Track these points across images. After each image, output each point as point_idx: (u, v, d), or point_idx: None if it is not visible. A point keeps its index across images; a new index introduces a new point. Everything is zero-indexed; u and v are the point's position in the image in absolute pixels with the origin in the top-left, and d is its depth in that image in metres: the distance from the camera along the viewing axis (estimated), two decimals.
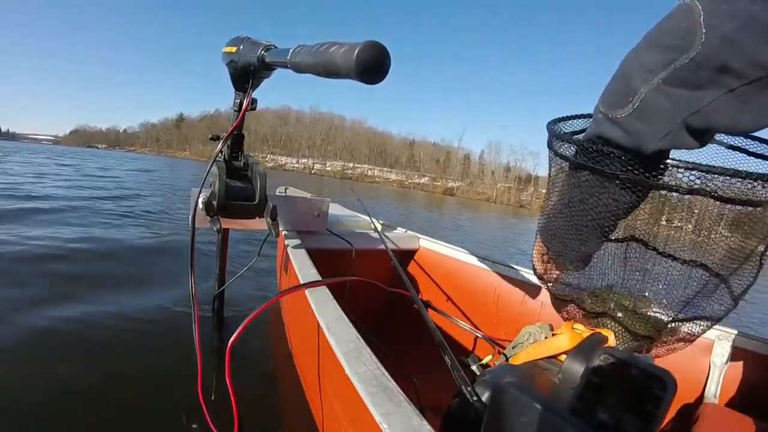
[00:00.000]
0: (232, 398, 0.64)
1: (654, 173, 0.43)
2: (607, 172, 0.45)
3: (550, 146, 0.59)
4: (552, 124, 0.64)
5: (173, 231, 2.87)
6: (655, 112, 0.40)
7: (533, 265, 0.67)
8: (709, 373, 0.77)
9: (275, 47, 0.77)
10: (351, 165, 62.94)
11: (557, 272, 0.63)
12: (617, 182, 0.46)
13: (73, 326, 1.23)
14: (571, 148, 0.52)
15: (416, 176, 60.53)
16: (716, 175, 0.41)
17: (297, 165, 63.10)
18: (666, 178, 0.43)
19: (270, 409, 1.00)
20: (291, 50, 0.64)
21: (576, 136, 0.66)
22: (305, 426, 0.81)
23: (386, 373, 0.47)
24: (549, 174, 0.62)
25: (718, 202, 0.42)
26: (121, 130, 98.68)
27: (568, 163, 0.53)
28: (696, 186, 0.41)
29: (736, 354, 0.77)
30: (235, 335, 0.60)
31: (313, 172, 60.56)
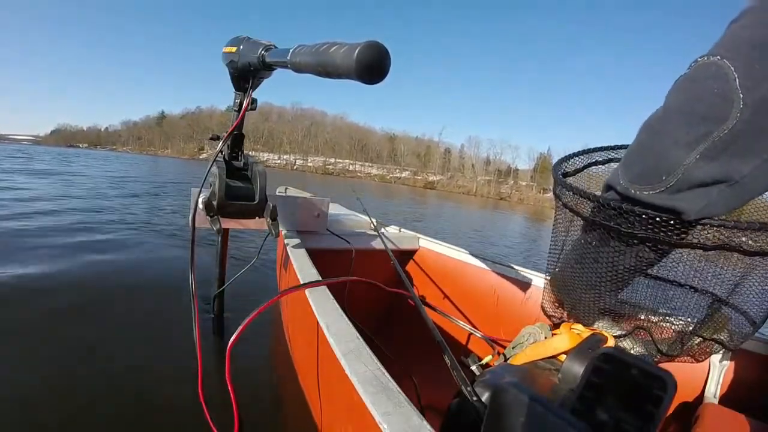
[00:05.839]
0: (232, 398, 0.64)
1: (680, 234, 0.40)
2: (625, 231, 0.42)
3: (558, 196, 0.56)
4: (558, 167, 0.61)
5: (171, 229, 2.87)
6: (689, 190, 0.36)
7: (542, 307, 0.66)
8: (709, 373, 0.77)
9: (275, 47, 0.77)
10: (332, 160, 63.00)
11: (570, 318, 0.61)
12: (636, 242, 0.43)
13: (72, 326, 1.23)
14: (585, 202, 0.48)
15: (397, 170, 60.86)
16: (744, 231, 0.38)
17: (279, 161, 63.31)
18: (689, 235, 0.40)
19: (270, 409, 1.00)
20: (291, 50, 0.64)
21: (584, 173, 0.64)
22: (305, 426, 0.81)
23: (386, 373, 0.47)
24: (555, 213, 0.60)
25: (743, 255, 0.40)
26: (102, 129, 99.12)
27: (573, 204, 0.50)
28: (721, 242, 0.39)
29: (736, 354, 0.77)
30: (235, 335, 0.60)
31: (294, 167, 60.42)
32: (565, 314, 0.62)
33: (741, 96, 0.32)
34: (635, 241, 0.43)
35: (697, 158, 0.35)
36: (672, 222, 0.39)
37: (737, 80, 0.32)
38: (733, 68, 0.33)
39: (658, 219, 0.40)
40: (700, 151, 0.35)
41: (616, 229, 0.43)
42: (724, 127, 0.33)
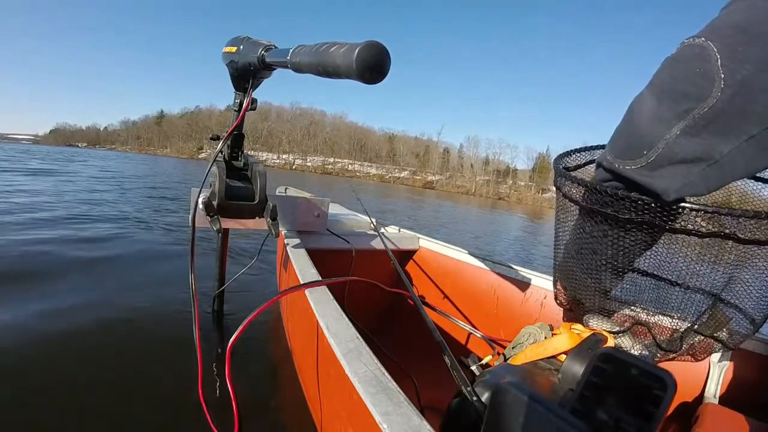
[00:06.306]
0: (232, 398, 0.64)
1: (669, 217, 0.40)
2: (622, 217, 0.43)
3: (558, 187, 0.57)
4: (559, 160, 0.62)
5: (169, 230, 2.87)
6: (670, 166, 0.37)
7: (555, 296, 0.67)
8: (709, 373, 0.77)
9: (275, 47, 0.77)
10: (331, 160, 62.92)
11: (576, 304, 0.62)
12: (630, 226, 0.43)
13: (72, 327, 1.23)
14: (581, 190, 0.49)
15: (396, 170, 60.92)
16: (737, 218, 0.38)
17: (278, 161, 63.18)
18: (683, 221, 0.40)
19: (270, 409, 1.00)
20: (291, 50, 0.64)
21: (583, 169, 0.65)
22: (305, 426, 0.81)
23: (386, 373, 0.47)
24: (556, 204, 0.61)
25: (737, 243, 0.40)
26: (101, 128, 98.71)
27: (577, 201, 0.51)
28: (716, 230, 0.39)
29: (736, 354, 0.77)
30: (235, 335, 0.60)
31: (293, 167, 60.33)
32: (572, 301, 0.63)
33: (722, 76, 0.33)
34: (631, 225, 0.44)
35: (677, 134, 0.36)
36: (659, 205, 0.40)
37: (719, 60, 0.33)
38: (716, 49, 0.34)
39: (648, 201, 0.40)
40: (681, 127, 0.36)
41: (612, 215, 0.44)
42: (705, 105, 0.34)
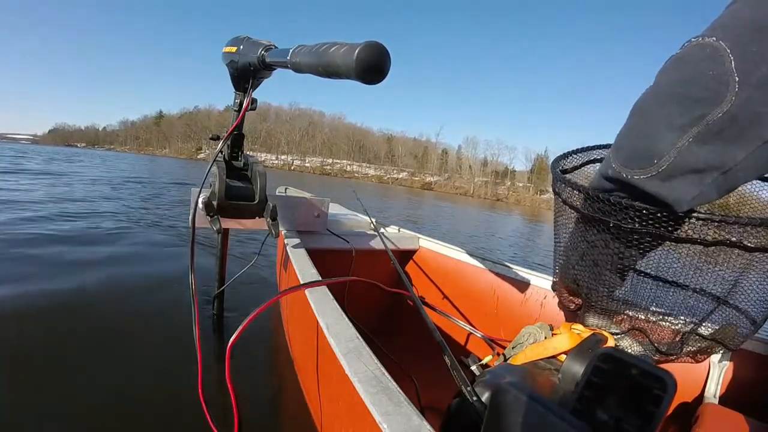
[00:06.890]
0: (232, 398, 0.64)
1: (675, 226, 0.39)
2: (625, 227, 0.42)
3: (557, 192, 0.55)
4: (557, 163, 0.61)
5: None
6: (682, 176, 0.35)
7: (559, 296, 0.66)
8: (709, 373, 0.77)
9: (275, 47, 0.77)
10: (330, 161, 62.90)
11: (577, 305, 0.62)
12: (633, 236, 0.42)
13: (71, 327, 1.23)
14: (581, 197, 0.48)
15: (395, 171, 60.88)
16: (743, 226, 0.37)
17: (276, 161, 63.19)
18: (689, 230, 0.39)
19: (270, 409, 1.00)
20: (291, 50, 0.64)
21: (581, 170, 0.64)
22: (305, 426, 0.81)
23: (386, 373, 0.47)
24: (554, 208, 0.60)
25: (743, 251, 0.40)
26: (100, 129, 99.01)
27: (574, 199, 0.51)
28: (721, 238, 0.38)
29: (736, 354, 0.77)
30: (235, 335, 0.60)
31: (292, 168, 60.35)
32: (573, 303, 0.62)
33: (737, 79, 0.31)
34: (634, 235, 0.43)
35: (690, 141, 0.34)
36: (665, 215, 0.39)
37: (733, 63, 0.31)
38: (729, 50, 0.32)
39: (653, 211, 0.39)
40: (693, 135, 0.34)
41: (615, 225, 0.43)
42: (718, 110, 0.32)
